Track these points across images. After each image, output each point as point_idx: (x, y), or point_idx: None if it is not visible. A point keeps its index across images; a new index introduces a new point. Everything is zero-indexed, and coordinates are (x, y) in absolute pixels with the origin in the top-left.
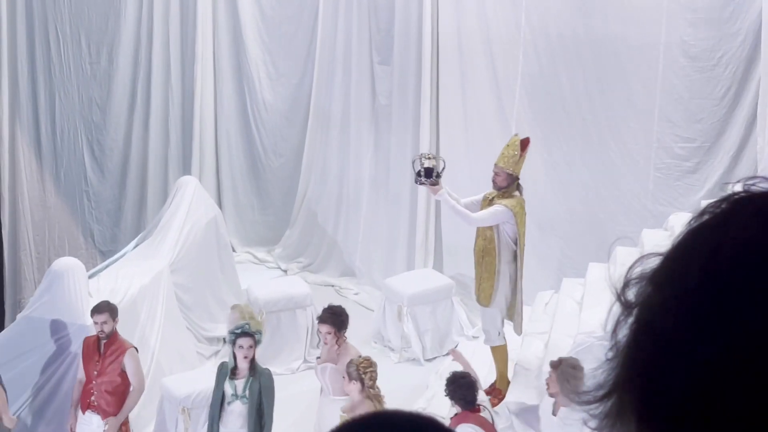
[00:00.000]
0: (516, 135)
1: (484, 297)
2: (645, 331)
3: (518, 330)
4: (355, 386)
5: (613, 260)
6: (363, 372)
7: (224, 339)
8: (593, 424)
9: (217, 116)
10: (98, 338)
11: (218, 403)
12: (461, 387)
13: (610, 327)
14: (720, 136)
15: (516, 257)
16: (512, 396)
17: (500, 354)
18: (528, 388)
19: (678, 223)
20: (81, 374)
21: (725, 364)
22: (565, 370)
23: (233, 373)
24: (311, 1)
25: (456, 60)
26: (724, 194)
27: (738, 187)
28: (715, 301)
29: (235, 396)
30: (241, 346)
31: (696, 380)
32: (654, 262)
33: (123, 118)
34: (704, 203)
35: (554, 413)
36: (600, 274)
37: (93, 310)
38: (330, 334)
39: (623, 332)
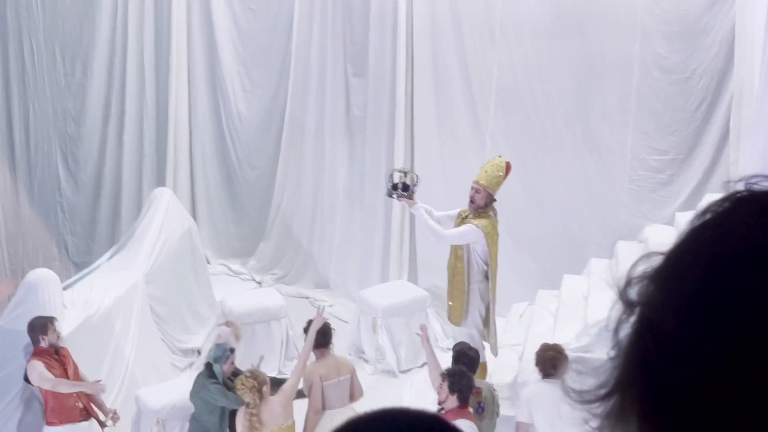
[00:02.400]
0: (500, 156)
1: (455, 315)
2: (647, 331)
3: (494, 351)
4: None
5: (587, 272)
6: (239, 387)
7: (198, 351)
8: (595, 423)
9: (191, 128)
10: (51, 351)
11: (227, 416)
12: (464, 382)
13: (611, 326)
14: (694, 148)
15: (487, 277)
16: None
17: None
18: (502, 400)
19: (652, 234)
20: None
21: (727, 363)
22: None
23: (227, 385)
24: (286, 14)
25: (430, 72)
26: (726, 193)
27: (740, 186)
28: (718, 299)
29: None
30: (233, 362)
31: (698, 380)
32: (656, 261)
33: (97, 129)
34: (678, 215)
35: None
36: (575, 285)
37: (51, 320)
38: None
39: (625, 331)
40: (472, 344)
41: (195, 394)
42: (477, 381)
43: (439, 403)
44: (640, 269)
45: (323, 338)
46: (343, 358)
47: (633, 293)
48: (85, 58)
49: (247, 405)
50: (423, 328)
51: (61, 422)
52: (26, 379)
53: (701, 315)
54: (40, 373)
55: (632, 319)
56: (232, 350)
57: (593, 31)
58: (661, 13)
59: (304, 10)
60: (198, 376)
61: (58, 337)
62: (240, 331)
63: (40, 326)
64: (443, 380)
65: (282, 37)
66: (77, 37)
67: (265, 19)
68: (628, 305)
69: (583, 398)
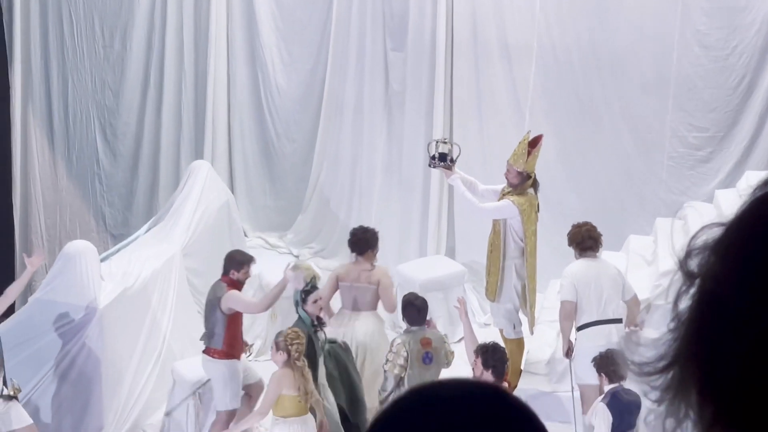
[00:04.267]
0: (528, 132)
1: (490, 291)
2: (707, 302)
3: (530, 329)
4: (281, 356)
5: (626, 249)
6: (290, 344)
7: None
8: (654, 396)
9: (230, 101)
10: (239, 286)
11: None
12: (498, 357)
13: (671, 297)
14: (733, 125)
15: (524, 254)
16: (524, 383)
17: (515, 348)
18: (539, 376)
19: (691, 212)
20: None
21: None
22: None
23: (315, 327)
24: None
25: (470, 46)
26: None
27: None
28: None
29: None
30: (315, 301)
31: (759, 351)
32: (717, 232)
33: (136, 101)
34: (717, 193)
35: (567, 355)
36: (613, 262)
37: (250, 261)
38: None
39: (685, 303)
40: (508, 321)
41: None
42: (429, 332)
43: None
44: (701, 240)
45: (355, 246)
46: (379, 269)
47: (693, 264)
48: (124, 30)
49: (298, 358)
50: (461, 301)
51: (233, 356)
52: (217, 310)
53: (762, 286)
54: (245, 300)
55: (692, 290)
56: (306, 291)
57: (634, 7)
58: None
59: None
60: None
61: (247, 278)
62: (310, 271)
63: (238, 262)
64: (477, 356)
65: (321, 11)
66: (116, 9)
67: None
68: (689, 276)
69: (642, 370)
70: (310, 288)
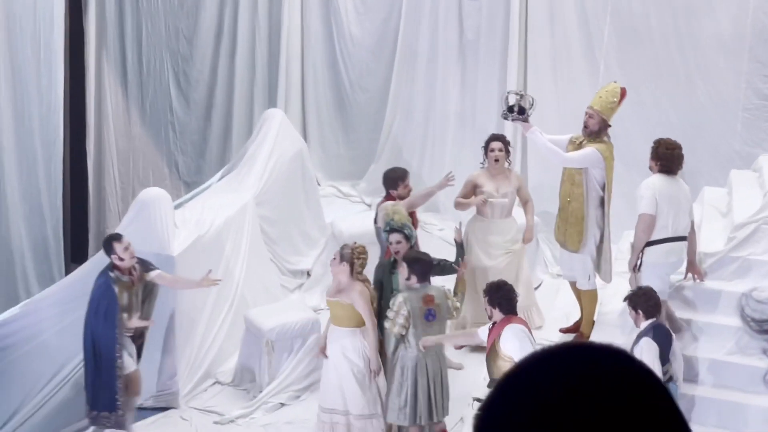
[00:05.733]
0: (616, 82)
1: (572, 242)
2: None
3: (607, 278)
4: (345, 268)
5: (700, 200)
6: (356, 257)
7: (308, 272)
8: None
9: (303, 49)
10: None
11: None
12: (501, 294)
13: None
14: None
15: (603, 203)
16: (597, 334)
17: (589, 299)
18: (612, 327)
19: (766, 164)
20: None
21: None
22: None
23: (393, 267)
24: None
25: None
26: None
27: None
28: None
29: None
30: (390, 243)
31: None
32: None
33: (209, 49)
34: None
35: (635, 270)
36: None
37: (405, 175)
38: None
39: None
40: (584, 272)
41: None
42: (431, 288)
43: (489, 319)
44: None
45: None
46: None
47: None
48: None
49: (360, 272)
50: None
51: None
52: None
53: None
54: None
55: None
56: (387, 231)
57: None
58: None
59: None
60: None
61: (408, 193)
62: (390, 214)
63: (392, 180)
64: (484, 296)
65: None
66: None
67: None
68: None
69: (762, 328)
70: (389, 229)
